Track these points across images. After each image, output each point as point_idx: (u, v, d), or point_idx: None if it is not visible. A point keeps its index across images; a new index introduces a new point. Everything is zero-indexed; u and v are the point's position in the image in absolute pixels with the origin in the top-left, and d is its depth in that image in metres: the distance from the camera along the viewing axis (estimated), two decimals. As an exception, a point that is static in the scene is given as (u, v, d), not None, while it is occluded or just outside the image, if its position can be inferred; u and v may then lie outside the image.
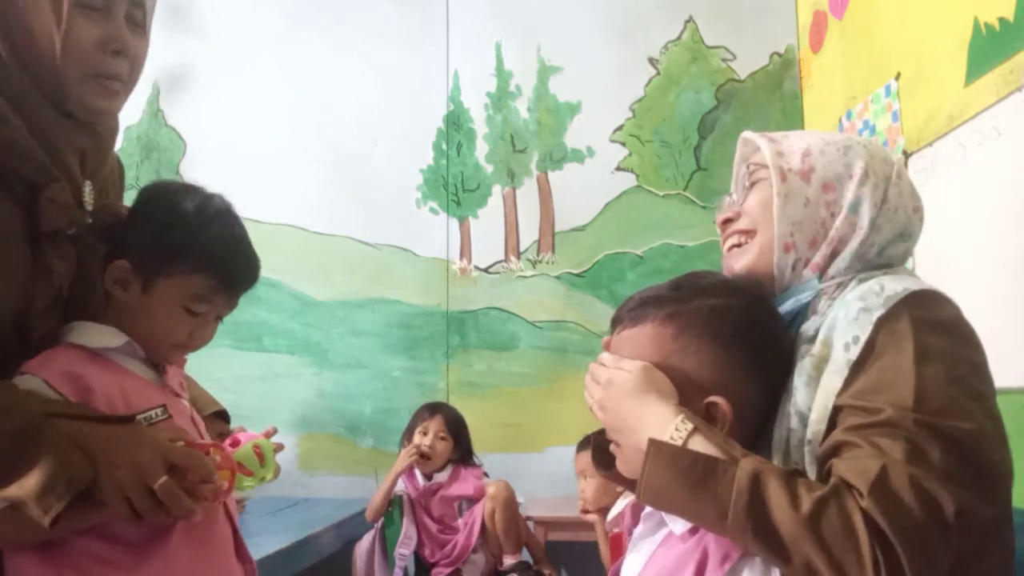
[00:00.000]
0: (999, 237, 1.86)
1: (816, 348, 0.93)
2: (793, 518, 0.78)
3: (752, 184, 1.07)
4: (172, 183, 1.13)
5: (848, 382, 0.87)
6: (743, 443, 0.89)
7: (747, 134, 1.12)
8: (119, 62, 1.01)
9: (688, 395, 0.91)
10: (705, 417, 0.90)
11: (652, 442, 0.86)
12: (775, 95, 3.25)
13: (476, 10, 3.38)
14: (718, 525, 0.81)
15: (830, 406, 0.87)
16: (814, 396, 0.90)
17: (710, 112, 3.26)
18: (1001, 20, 1.87)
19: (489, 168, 3.33)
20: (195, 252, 1.04)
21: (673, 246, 3.20)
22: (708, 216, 3.17)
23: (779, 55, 3.28)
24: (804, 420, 0.90)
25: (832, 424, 0.87)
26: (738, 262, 1.06)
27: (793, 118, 3.19)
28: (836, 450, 0.84)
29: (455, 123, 3.36)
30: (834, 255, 1.01)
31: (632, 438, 0.91)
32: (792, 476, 0.82)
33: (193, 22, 3.39)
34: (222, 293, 1.07)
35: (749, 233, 1.05)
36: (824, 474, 0.85)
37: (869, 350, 0.87)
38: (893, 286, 0.91)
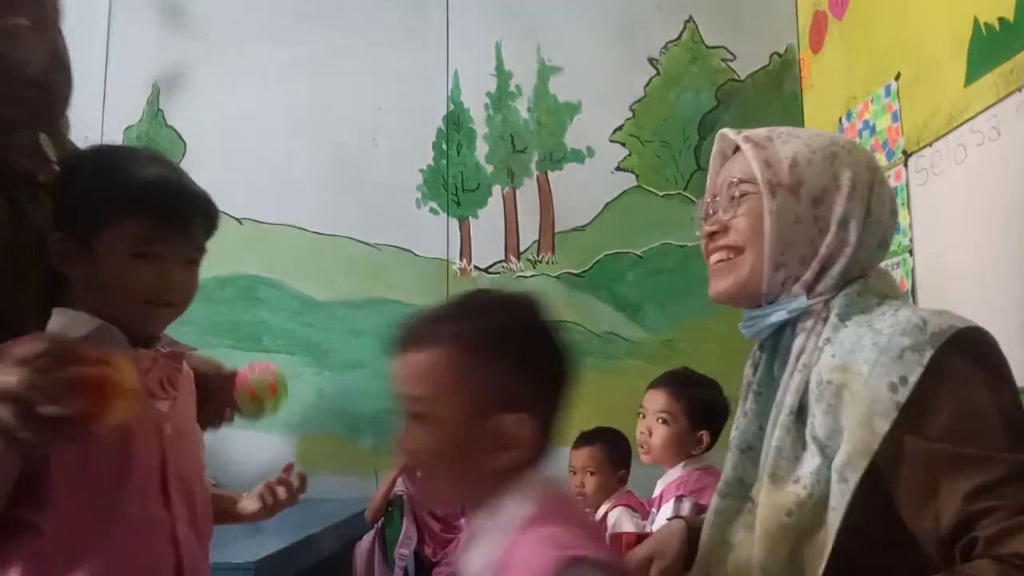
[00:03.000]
0: (999, 237, 1.86)
1: (833, 375, 0.91)
2: None
3: (739, 196, 1.05)
4: (95, 147, 1.14)
5: (903, 426, 0.86)
6: (535, 460, 0.87)
7: (728, 133, 1.10)
8: None
9: (479, 415, 0.86)
10: (495, 436, 0.86)
11: None
12: (775, 95, 3.25)
13: (476, 10, 3.38)
14: None
15: (875, 446, 0.86)
16: (834, 426, 0.89)
17: (710, 112, 3.26)
18: (1001, 20, 1.87)
19: (489, 168, 3.33)
20: (120, 195, 1.00)
21: (673, 246, 3.20)
22: (708, 216, 3.17)
23: (779, 55, 3.27)
24: (823, 449, 0.89)
25: (890, 465, 0.86)
26: (725, 280, 1.05)
27: (793, 118, 3.19)
28: (972, 522, 0.82)
29: (455, 123, 3.36)
30: (822, 271, 1.00)
31: None
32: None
33: (193, 22, 3.39)
34: (168, 230, 1.01)
35: (736, 250, 1.04)
36: (963, 547, 0.83)
37: (925, 392, 0.86)
38: (937, 322, 0.90)
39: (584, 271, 3.23)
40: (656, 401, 2.00)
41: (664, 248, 3.20)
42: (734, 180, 1.05)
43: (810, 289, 1.00)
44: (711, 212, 1.10)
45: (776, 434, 0.95)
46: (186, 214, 1.04)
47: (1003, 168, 1.85)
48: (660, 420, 1.97)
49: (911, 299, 2.07)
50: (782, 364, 1.01)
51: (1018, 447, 0.82)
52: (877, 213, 1.02)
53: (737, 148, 1.10)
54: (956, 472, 0.83)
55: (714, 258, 1.07)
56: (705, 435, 1.96)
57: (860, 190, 1.01)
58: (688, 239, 3.18)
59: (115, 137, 3.27)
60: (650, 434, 1.99)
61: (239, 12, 3.39)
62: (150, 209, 1.00)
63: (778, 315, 1.00)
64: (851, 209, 1.00)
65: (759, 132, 1.07)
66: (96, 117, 3.26)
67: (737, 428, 1.07)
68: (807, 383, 0.96)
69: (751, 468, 0.98)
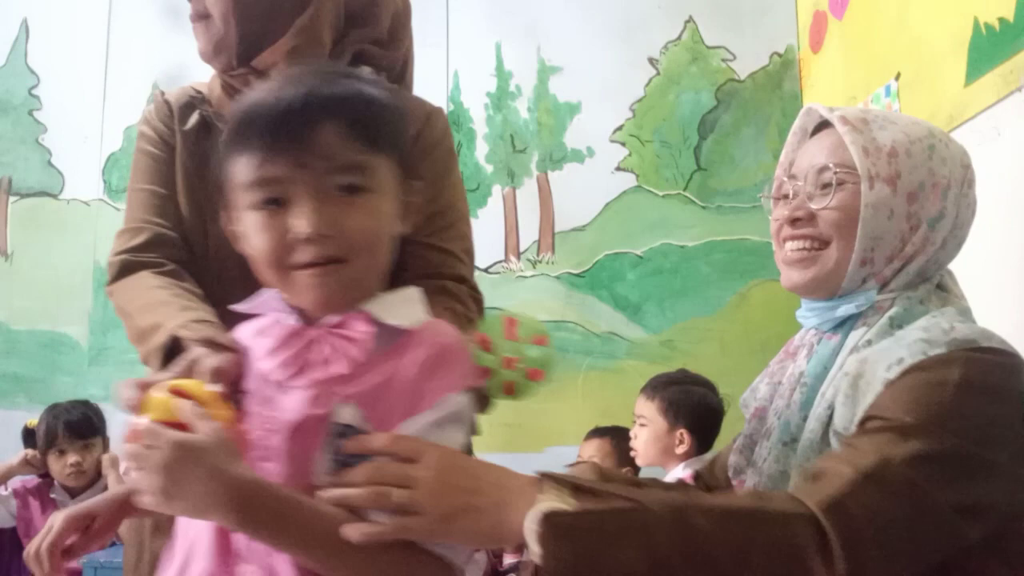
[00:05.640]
0: (999, 237, 1.86)
1: (854, 367, 0.90)
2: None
3: (832, 184, 0.97)
4: None
5: (878, 397, 0.85)
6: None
7: (820, 109, 1.03)
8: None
9: (402, 181, 0.84)
10: (406, 203, 0.85)
11: (547, 516, 0.74)
12: (775, 95, 3.24)
13: (476, 10, 3.38)
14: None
15: (856, 421, 0.86)
16: (851, 417, 0.88)
17: (710, 112, 3.26)
18: (1001, 20, 1.87)
19: (489, 168, 3.33)
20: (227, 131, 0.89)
21: (673, 246, 3.19)
22: (708, 216, 3.17)
23: (779, 55, 3.27)
24: (841, 442, 0.88)
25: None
26: (806, 272, 0.99)
27: (793, 118, 3.18)
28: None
29: (455, 123, 3.35)
30: (901, 268, 0.97)
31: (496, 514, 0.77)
32: None
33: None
34: (277, 156, 0.81)
35: (822, 242, 0.98)
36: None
37: (909, 371, 0.84)
38: (965, 331, 0.87)
39: (584, 271, 3.23)
40: (638, 405, 2.07)
41: (664, 248, 3.20)
42: (827, 165, 0.98)
43: (884, 284, 0.97)
44: (791, 194, 1.02)
45: (810, 426, 0.93)
46: (294, 126, 0.76)
47: (1003, 168, 1.85)
48: (639, 423, 2.03)
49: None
50: (835, 355, 0.97)
51: (955, 431, 0.80)
52: (964, 215, 0.99)
53: (820, 127, 1.05)
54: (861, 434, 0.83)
55: (793, 246, 1.01)
56: (684, 434, 1.97)
57: (953, 188, 0.97)
58: (688, 239, 3.18)
59: (115, 137, 3.28)
60: (634, 437, 2.06)
61: (239, 12, 3.38)
62: (239, 136, 0.79)
63: (846, 309, 0.97)
64: (944, 209, 0.96)
65: (854, 112, 1.00)
66: (96, 117, 3.26)
67: (779, 420, 1.01)
68: None
69: (793, 459, 0.95)
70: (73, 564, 2.42)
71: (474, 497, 0.76)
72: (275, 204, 0.78)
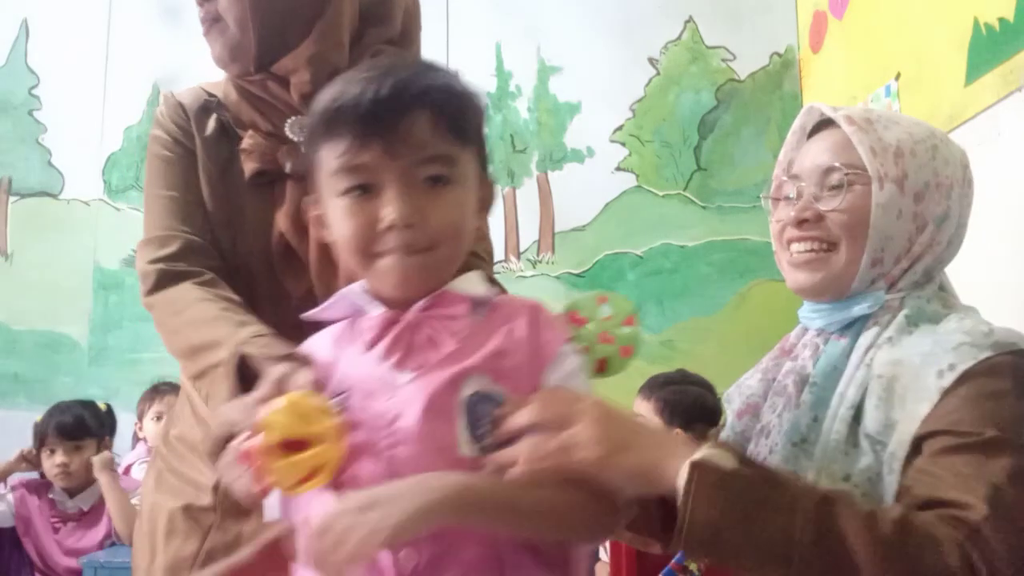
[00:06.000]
0: (999, 237, 1.86)
1: (885, 369, 0.90)
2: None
3: (841, 185, 0.97)
4: None
5: (937, 407, 0.84)
6: None
7: (823, 108, 1.04)
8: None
9: (483, 173, 0.92)
10: (484, 197, 0.92)
11: (695, 465, 0.77)
12: (775, 95, 3.24)
13: (476, 10, 3.38)
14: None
15: (913, 432, 0.85)
16: (886, 421, 0.88)
17: (710, 112, 3.26)
18: (1001, 20, 1.87)
19: (489, 168, 3.33)
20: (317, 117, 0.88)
21: (673, 246, 3.19)
22: (708, 216, 3.17)
23: (779, 55, 3.27)
24: (874, 445, 0.88)
25: (916, 450, 0.85)
26: (814, 274, 0.99)
27: (793, 118, 3.17)
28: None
29: (455, 123, 3.35)
30: (908, 268, 0.98)
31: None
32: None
33: (193, 22, 3.37)
34: (367, 145, 0.82)
35: (830, 244, 0.98)
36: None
37: (965, 378, 0.85)
38: (1004, 333, 0.88)
39: (584, 271, 3.23)
40: (635, 404, 2.08)
41: (664, 248, 3.19)
42: (835, 165, 0.98)
43: (892, 285, 0.98)
44: (793, 194, 1.02)
45: (835, 427, 0.93)
46: (387, 114, 0.78)
47: (1003, 168, 1.85)
48: None
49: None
50: (845, 356, 0.97)
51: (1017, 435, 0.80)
52: (965, 214, 1.00)
53: (819, 127, 1.05)
54: (939, 454, 0.82)
55: (800, 247, 1.00)
56: (679, 434, 1.98)
57: (956, 188, 0.98)
58: (688, 239, 3.18)
59: (115, 137, 3.28)
60: None
61: (239, 12, 3.38)
62: (329, 123, 0.80)
63: (860, 310, 0.97)
64: (948, 208, 0.97)
65: (857, 111, 1.01)
66: (96, 117, 3.26)
67: (781, 419, 1.01)
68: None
69: (805, 461, 0.94)
70: (73, 564, 2.43)
71: (633, 437, 0.79)
72: (363, 191, 0.80)
